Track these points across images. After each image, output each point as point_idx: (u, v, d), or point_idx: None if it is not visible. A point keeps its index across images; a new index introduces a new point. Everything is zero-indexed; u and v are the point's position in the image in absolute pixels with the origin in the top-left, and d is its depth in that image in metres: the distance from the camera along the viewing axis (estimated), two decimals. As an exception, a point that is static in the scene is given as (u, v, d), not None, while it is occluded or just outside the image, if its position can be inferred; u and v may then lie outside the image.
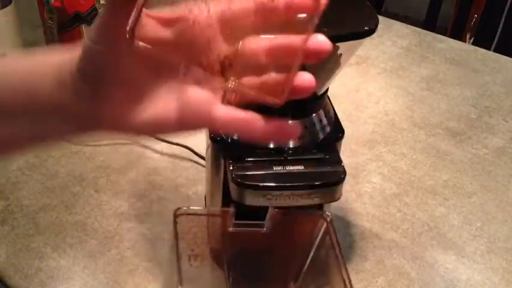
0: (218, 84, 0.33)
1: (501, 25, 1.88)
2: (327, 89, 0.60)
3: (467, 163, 0.86)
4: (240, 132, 0.36)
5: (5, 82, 0.37)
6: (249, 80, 0.34)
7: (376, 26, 0.51)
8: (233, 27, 0.33)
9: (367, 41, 0.52)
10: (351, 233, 0.72)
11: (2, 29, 0.83)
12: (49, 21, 0.89)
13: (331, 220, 0.37)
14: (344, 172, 0.57)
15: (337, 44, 0.52)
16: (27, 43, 1.10)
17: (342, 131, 0.61)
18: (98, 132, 0.38)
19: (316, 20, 0.32)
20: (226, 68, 0.32)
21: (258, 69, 0.33)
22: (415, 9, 2.52)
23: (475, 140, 0.91)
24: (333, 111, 0.63)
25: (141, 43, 0.32)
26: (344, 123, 0.62)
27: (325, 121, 0.60)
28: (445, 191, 0.80)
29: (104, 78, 0.35)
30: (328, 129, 0.60)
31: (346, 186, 0.79)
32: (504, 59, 1.16)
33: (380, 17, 0.55)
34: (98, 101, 0.36)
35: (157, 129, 0.37)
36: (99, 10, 0.86)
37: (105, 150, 0.83)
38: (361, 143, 0.89)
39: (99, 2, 0.86)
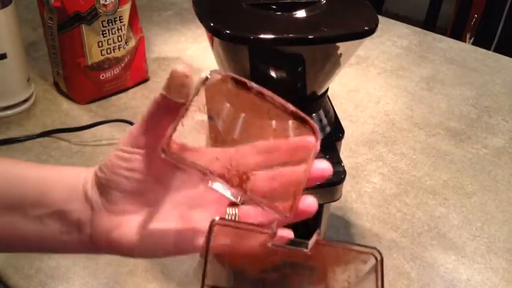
0: (237, 194, 0.36)
1: (501, 25, 1.88)
2: (327, 89, 0.60)
3: (467, 163, 0.86)
4: None
5: (19, 180, 0.38)
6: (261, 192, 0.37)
7: (376, 26, 0.51)
8: (239, 163, 0.37)
9: (367, 41, 0.52)
10: (351, 233, 0.72)
11: (2, 29, 0.83)
12: (49, 21, 0.89)
13: (381, 259, 0.36)
14: (344, 172, 0.57)
15: (337, 44, 0.53)
16: (27, 43, 1.10)
17: (342, 131, 0.61)
18: (95, 245, 0.39)
19: (315, 155, 0.37)
20: (244, 181, 0.36)
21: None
22: (415, 9, 2.53)
23: (475, 140, 0.91)
24: (333, 111, 0.63)
25: (174, 154, 0.35)
26: (344, 123, 0.62)
27: (325, 121, 0.60)
28: (445, 191, 0.80)
29: (114, 187, 0.37)
30: (328, 129, 0.60)
31: (346, 186, 0.79)
32: (504, 59, 1.16)
33: (380, 17, 0.55)
34: (103, 211, 0.38)
35: (151, 251, 0.38)
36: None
37: (105, 150, 0.83)
38: (361, 143, 0.89)
39: (99, 2, 0.86)
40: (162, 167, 0.38)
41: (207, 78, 0.37)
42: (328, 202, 0.59)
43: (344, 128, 0.62)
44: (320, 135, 0.38)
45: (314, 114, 0.59)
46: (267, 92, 0.38)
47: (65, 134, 0.85)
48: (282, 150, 0.38)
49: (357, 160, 0.85)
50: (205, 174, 0.36)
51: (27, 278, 0.64)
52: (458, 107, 0.99)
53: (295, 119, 0.38)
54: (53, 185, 0.38)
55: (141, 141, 0.37)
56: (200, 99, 0.37)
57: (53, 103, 0.94)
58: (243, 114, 0.38)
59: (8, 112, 0.89)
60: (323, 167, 0.37)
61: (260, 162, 0.38)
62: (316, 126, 0.38)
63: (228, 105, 0.38)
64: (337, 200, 0.58)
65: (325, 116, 0.60)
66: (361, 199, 0.78)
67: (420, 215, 0.76)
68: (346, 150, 0.86)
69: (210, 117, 0.38)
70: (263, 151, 0.38)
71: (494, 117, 0.97)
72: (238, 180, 0.37)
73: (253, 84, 0.37)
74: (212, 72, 0.37)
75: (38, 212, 0.38)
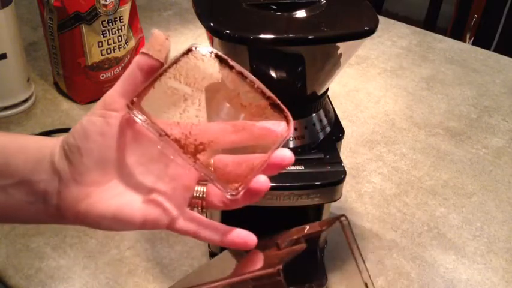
0: (186, 161, 0.36)
1: (501, 25, 1.88)
2: (327, 89, 0.60)
3: (467, 163, 0.86)
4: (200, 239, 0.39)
5: None
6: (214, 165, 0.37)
7: (376, 26, 0.51)
8: (199, 133, 0.37)
9: (367, 41, 0.52)
10: (351, 233, 0.72)
11: (2, 29, 0.83)
12: (49, 21, 0.89)
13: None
14: (344, 172, 0.57)
15: (337, 44, 0.53)
16: (27, 43, 1.10)
17: (342, 131, 0.61)
18: (62, 216, 0.38)
19: (281, 143, 0.37)
20: (198, 151, 0.36)
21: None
22: (415, 9, 2.52)
23: (475, 140, 0.91)
24: (333, 111, 0.63)
25: (136, 111, 0.36)
26: (344, 123, 0.62)
27: (325, 121, 0.60)
28: (445, 191, 0.80)
29: (86, 155, 0.36)
30: (328, 129, 0.60)
31: (346, 186, 0.79)
32: (504, 59, 1.16)
33: (380, 17, 0.55)
34: (71, 181, 0.37)
35: (119, 224, 0.38)
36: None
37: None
38: (361, 143, 0.89)
39: (99, 2, 0.86)
40: (135, 134, 0.37)
41: (190, 50, 0.37)
42: (328, 202, 0.59)
43: (344, 128, 0.62)
44: (292, 126, 0.37)
45: (314, 114, 0.59)
46: (248, 74, 0.37)
47: (65, 134, 0.85)
48: (249, 132, 0.37)
49: (357, 160, 0.85)
50: (161, 135, 0.36)
51: (27, 278, 0.64)
52: (458, 107, 0.99)
53: (271, 105, 0.37)
54: (16, 154, 0.37)
55: (117, 103, 0.36)
56: (179, 69, 0.37)
57: (53, 103, 0.94)
58: (218, 93, 0.38)
59: (8, 112, 0.89)
60: (283, 154, 0.36)
61: (222, 137, 0.37)
62: (290, 116, 0.37)
63: (205, 81, 0.38)
64: (337, 200, 0.58)
65: (325, 116, 0.60)
66: (361, 199, 0.78)
67: (420, 215, 0.76)
68: (346, 150, 0.86)
69: (185, 89, 0.37)
70: (229, 129, 0.37)
71: (494, 117, 0.97)
72: (194, 149, 0.36)
73: (235, 64, 0.37)
74: (197, 45, 0.37)
75: (1, 182, 0.37)
